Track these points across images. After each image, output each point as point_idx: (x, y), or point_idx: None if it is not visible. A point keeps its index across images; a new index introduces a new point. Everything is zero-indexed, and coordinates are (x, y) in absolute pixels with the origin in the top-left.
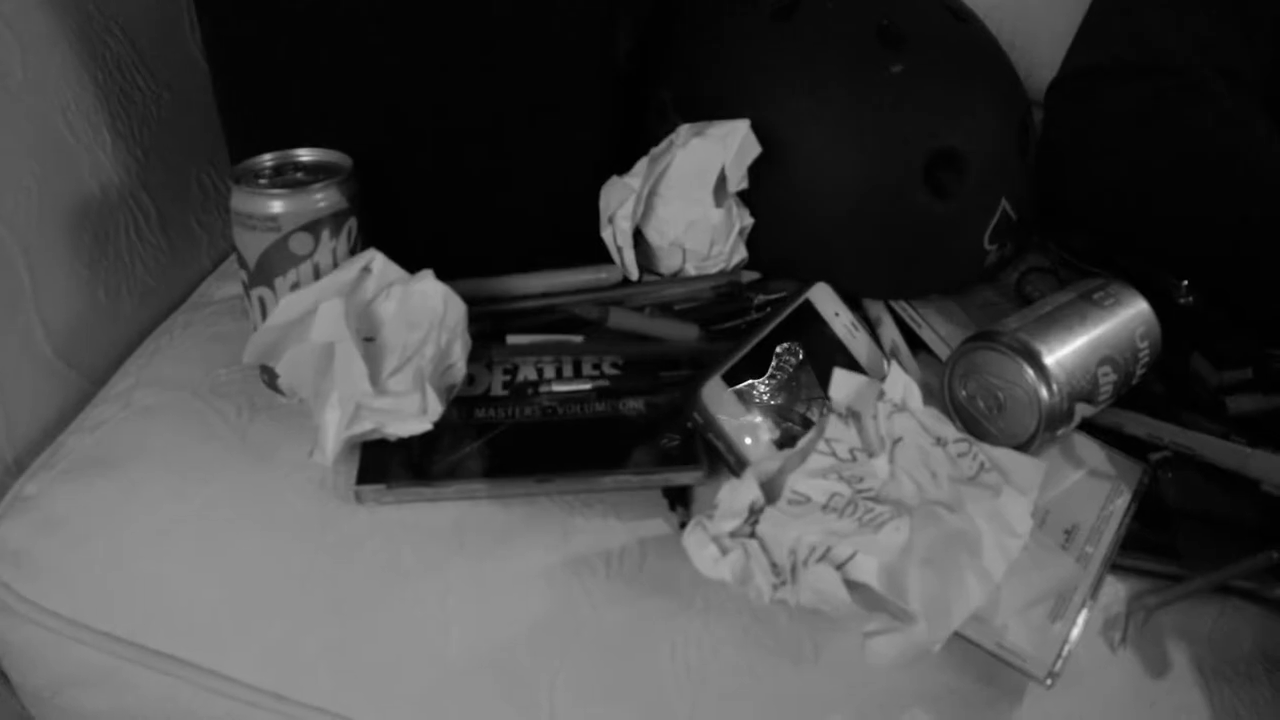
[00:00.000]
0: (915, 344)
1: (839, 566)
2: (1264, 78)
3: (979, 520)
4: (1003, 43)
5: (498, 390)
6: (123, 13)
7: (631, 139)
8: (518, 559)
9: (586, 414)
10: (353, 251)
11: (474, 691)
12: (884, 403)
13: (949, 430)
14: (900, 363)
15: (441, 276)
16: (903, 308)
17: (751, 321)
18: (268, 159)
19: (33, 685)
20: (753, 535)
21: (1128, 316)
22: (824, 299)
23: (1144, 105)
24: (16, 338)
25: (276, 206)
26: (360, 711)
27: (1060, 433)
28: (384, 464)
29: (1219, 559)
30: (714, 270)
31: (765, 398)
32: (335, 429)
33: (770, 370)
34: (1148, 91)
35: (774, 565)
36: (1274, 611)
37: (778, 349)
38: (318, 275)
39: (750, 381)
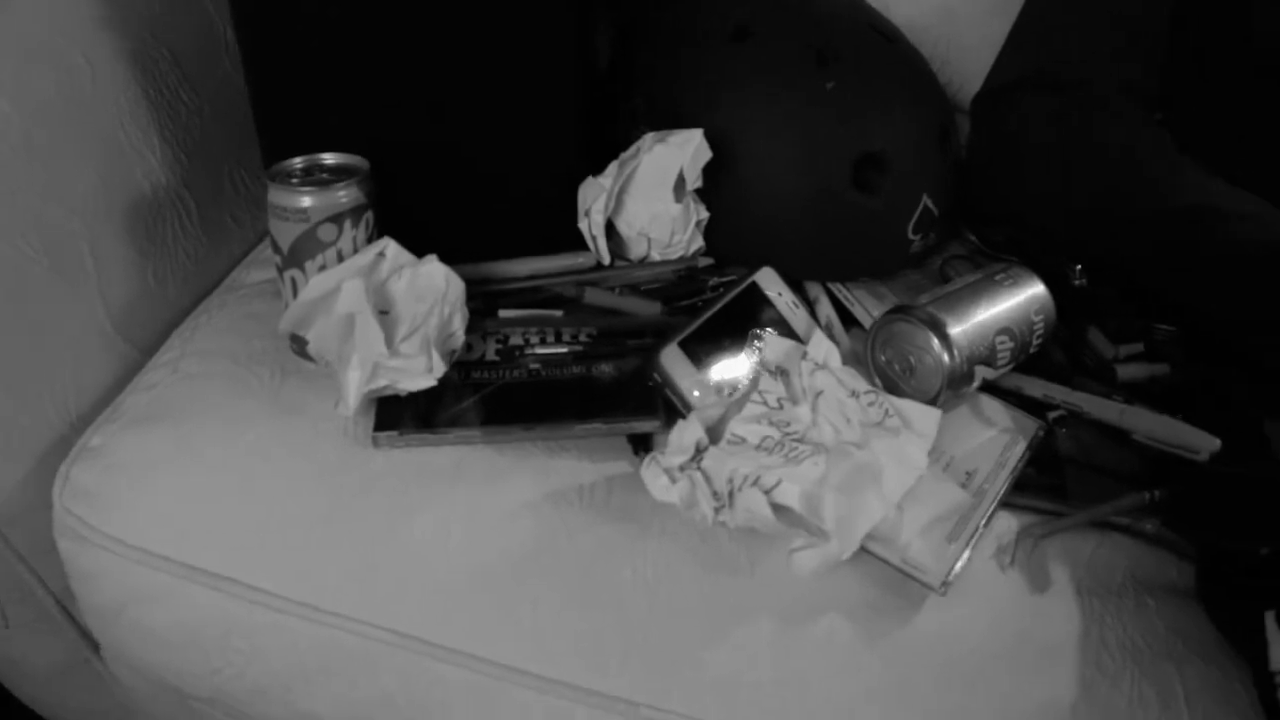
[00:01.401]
0: (848, 319)
1: (766, 491)
2: (1155, 82)
3: (882, 456)
4: (937, 59)
5: (491, 355)
6: (171, 39)
7: (608, 143)
8: (506, 493)
9: (565, 375)
10: (370, 239)
11: (470, 601)
12: (807, 362)
13: (861, 384)
14: (833, 335)
15: (444, 260)
16: (837, 288)
17: (706, 299)
18: (298, 161)
19: (99, 604)
20: (698, 468)
21: (1025, 296)
22: (769, 281)
23: (1055, 115)
24: (82, 314)
25: (306, 201)
26: (378, 618)
27: (964, 391)
28: (396, 415)
29: (1100, 499)
30: (675, 256)
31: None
32: (356, 386)
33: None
34: (1058, 103)
35: (715, 493)
36: (1146, 543)
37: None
38: (341, 259)
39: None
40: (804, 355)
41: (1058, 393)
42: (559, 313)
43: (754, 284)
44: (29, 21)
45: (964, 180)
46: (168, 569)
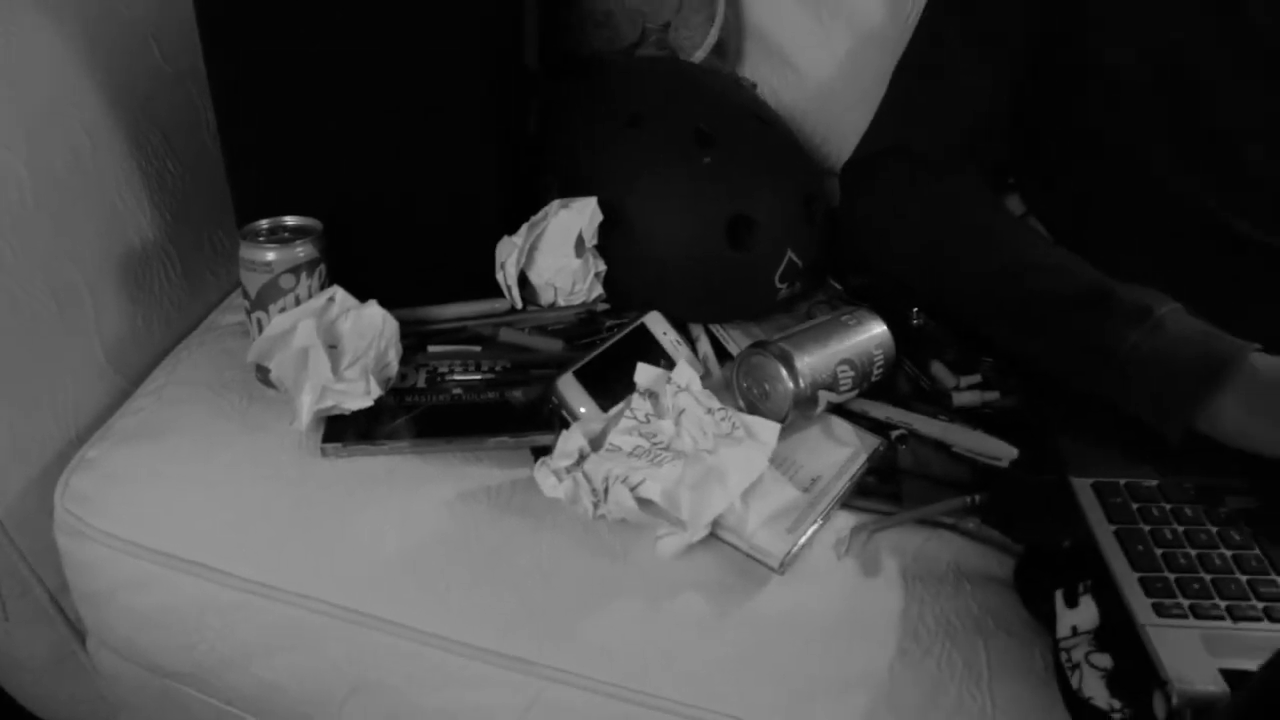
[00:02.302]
0: (724, 355)
1: (633, 488)
2: (1000, 154)
3: (727, 460)
4: (818, 136)
5: (420, 383)
6: (159, 118)
7: (530, 207)
8: (431, 494)
9: (481, 399)
10: (322, 287)
11: (401, 581)
12: (672, 385)
13: (714, 403)
14: (708, 366)
15: (383, 305)
16: (716, 328)
17: (602, 338)
18: (264, 223)
19: (93, 591)
20: (580, 471)
21: (868, 334)
22: (655, 323)
23: (906, 181)
24: (81, 348)
25: (271, 255)
26: (326, 595)
27: (811, 412)
28: (341, 430)
29: (930, 502)
30: (577, 302)
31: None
32: (308, 406)
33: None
34: (909, 171)
35: (594, 490)
36: (969, 539)
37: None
38: (298, 302)
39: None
40: (669, 380)
41: (895, 414)
42: (478, 348)
43: (643, 325)
44: (42, 102)
45: (834, 236)
46: (152, 558)
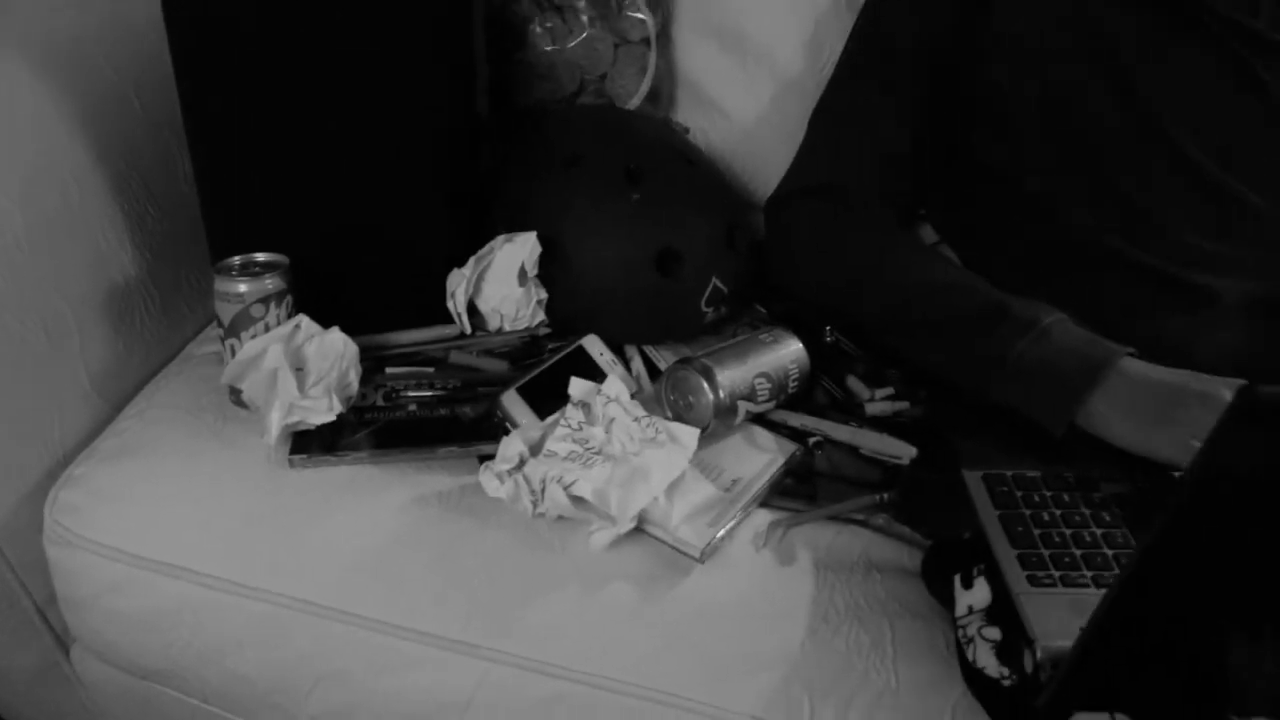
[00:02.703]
0: (656, 372)
1: (566, 488)
2: (906, 188)
3: (651, 461)
4: (745, 174)
5: (379, 401)
6: (140, 166)
7: (476, 242)
8: (387, 499)
9: (434, 414)
10: (290, 315)
11: (360, 578)
12: (602, 396)
13: (640, 412)
14: (641, 382)
15: (345, 331)
16: (649, 350)
17: (544, 359)
18: (237, 259)
19: (79, 596)
20: (521, 473)
21: (783, 351)
22: (593, 345)
23: (820, 214)
24: (69, 376)
25: (243, 287)
26: (292, 591)
27: (732, 421)
28: (307, 443)
29: (842, 501)
30: (520, 327)
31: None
32: (277, 422)
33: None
34: (823, 205)
35: (532, 491)
36: (879, 533)
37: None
38: (268, 330)
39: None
40: (600, 392)
41: (810, 422)
42: (431, 369)
43: (581, 347)
44: (33, 153)
45: (758, 263)
46: (134, 563)
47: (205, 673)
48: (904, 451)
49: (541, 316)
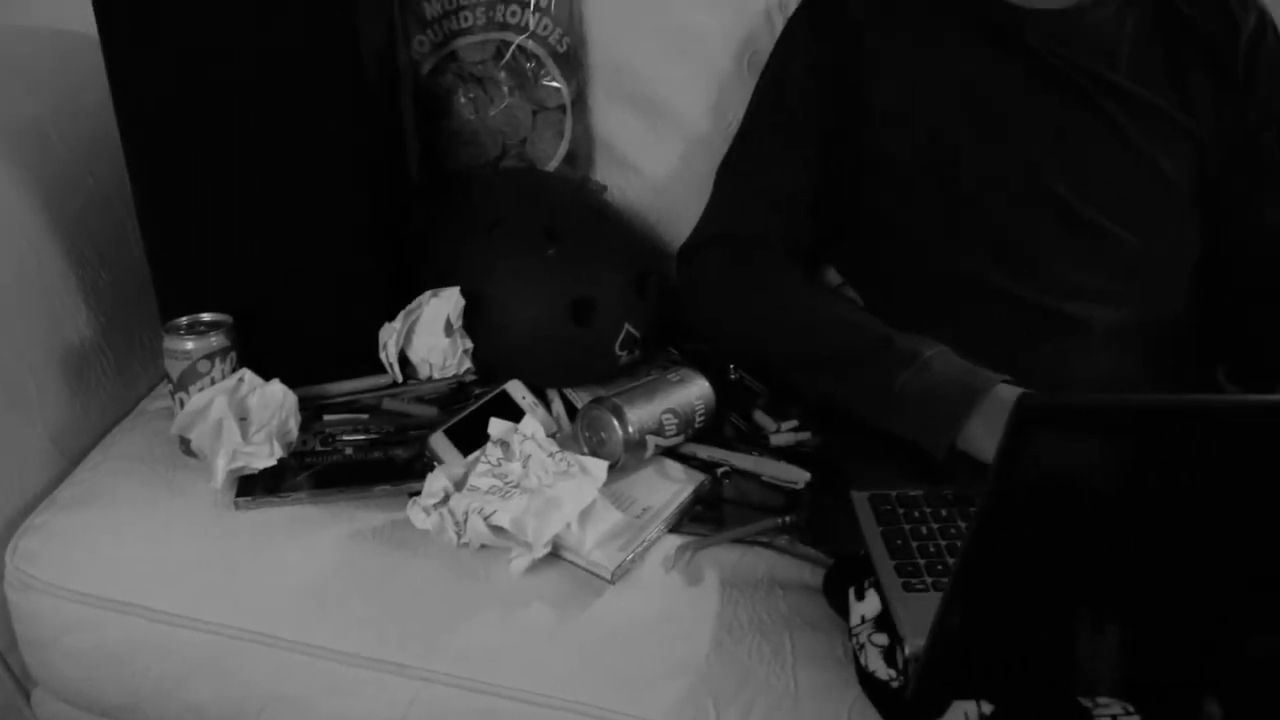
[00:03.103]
0: (575, 412)
1: (486, 518)
2: (807, 236)
3: (564, 492)
4: (660, 226)
5: (318, 446)
6: (94, 234)
7: (406, 298)
8: (325, 535)
9: (368, 456)
10: (233, 370)
11: (301, 608)
12: (519, 435)
13: (554, 447)
14: (560, 422)
15: (285, 383)
16: (568, 392)
17: (470, 403)
18: (184, 319)
19: (39, 638)
20: (446, 507)
21: (690, 389)
22: (515, 389)
23: (726, 262)
24: (29, 433)
25: (190, 345)
26: (240, 623)
27: (642, 454)
28: (251, 486)
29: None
30: (448, 375)
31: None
32: (223, 468)
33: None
34: (729, 254)
35: (456, 522)
36: (781, 554)
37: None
38: (213, 383)
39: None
40: (517, 431)
41: (716, 454)
42: (366, 416)
43: (504, 391)
44: None
45: (672, 309)
46: (92, 602)
47: (161, 705)
48: (799, 476)
49: (468, 365)
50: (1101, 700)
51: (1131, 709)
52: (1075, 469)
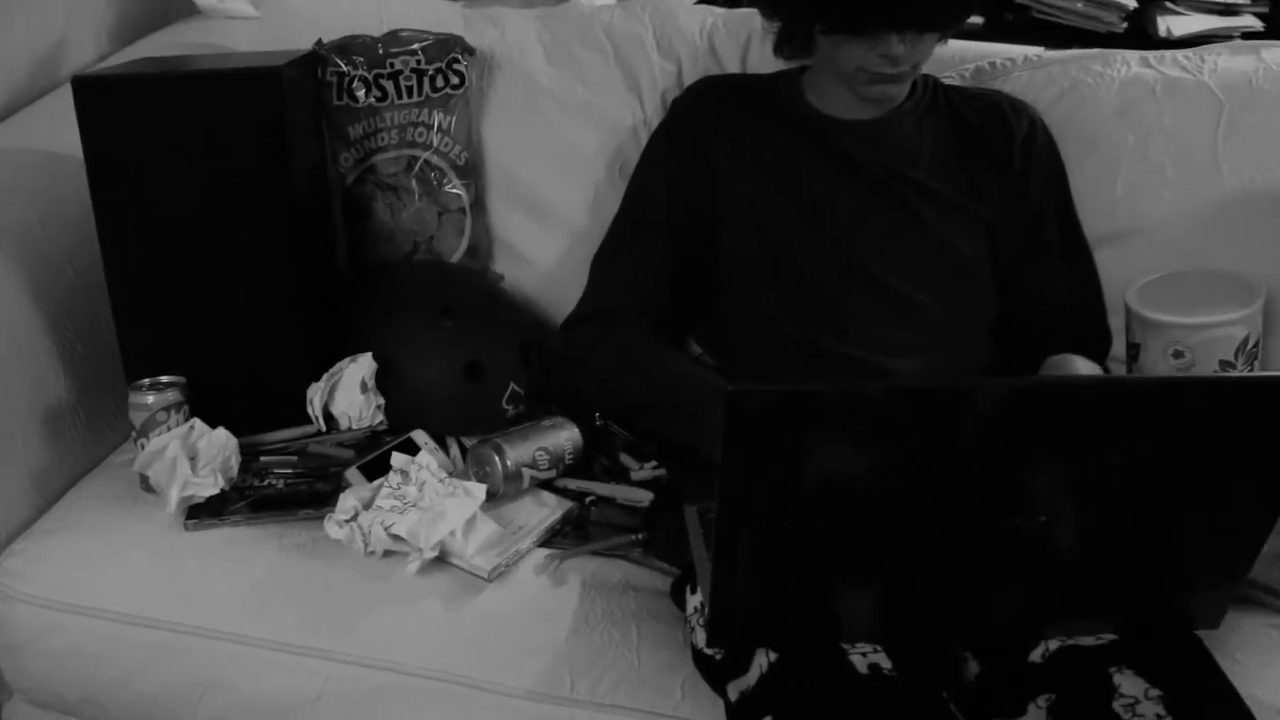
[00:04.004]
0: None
1: (386, 529)
2: (667, 309)
3: (449, 509)
4: (550, 305)
5: (255, 481)
6: (74, 314)
7: (330, 362)
8: (260, 550)
9: (297, 489)
10: (186, 419)
11: (237, 607)
12: (415, 465)
13: (443, 474)
14: (456, 463)
15: (229, 429)
16: (463, 439)
17: (382, 447)
18: (146, 380)
19: (15, 641)
20: (355, 522)
21: (561, 432)
22: (419, 436)
23: (596, 332)
24: (13, 477)
25: (150, 399)
26: (186, 620)
27: (521, 486)
28: (199, 511)
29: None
30: (364, 426)
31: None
32: (175, 497)
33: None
34: (597, 326)
35: (364, 534)
36: (636, 565)
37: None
38: (169, 430)
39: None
40: (414, 462)
41: (583, 485)
42: (295, 457)
43: (409, 438)
44: None
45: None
46: (63, 608)
47: (119, 695)
48: (644, 496)
49: (380, 417)
50: (859, 645)
51: (879, 648)
52: (799, 448)
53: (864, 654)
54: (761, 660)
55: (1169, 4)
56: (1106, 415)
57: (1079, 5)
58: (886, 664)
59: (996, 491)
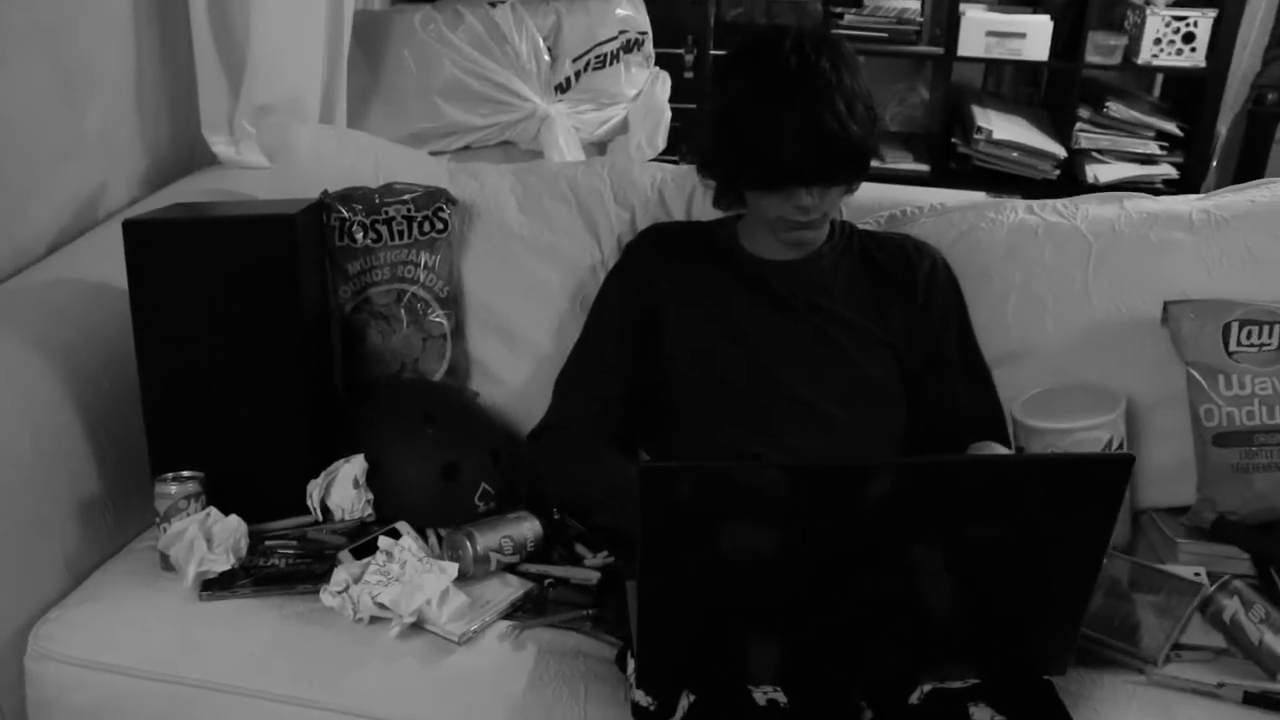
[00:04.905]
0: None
1: (374, 599)
2: (618, 420)
3: (427, 583)
4: (519, 416)
5: (260, 560)
6: (105, 420)
7: (327, 462)
8: (263, 618)
9: (298, 567)
10: (203, 507)
11: (242, 666)
12: (399, 547)
13: (423, 554)
14: (434, 550)
15: (242, 517)
16: (440, 530)
17: (370, 534)
18: (170, 474)
19: (45, 696)
20: (348, 593)
21: (524, 524)
22: (403, 526)
23: (555, 444)
24: (51, 558)
25: (174, 490)
26: (200, 676)
27: (488, 568)
28: (212, 585)
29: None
30: (356, 517)
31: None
32: (192, 572)
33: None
34: (556, 437)
35: (354, 603)
36: (586, 636)
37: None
38: (188, 515)
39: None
40: (397, 544)
41: (543, 569)
42: (296, 541)
43: (394, 528)
44: (38, 414)
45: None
46: (90, 665)
47: None
48: (592, 575)
49: (370, 510)
50: (763, 686)
51: (779, 688)
52: (704, 516)
53: (765, 692)
54: (684, 704)
55: (1095, 155)
56: (968, 490)
57: (1014, 155)
58: (783, 699)
59: (878, 556)
